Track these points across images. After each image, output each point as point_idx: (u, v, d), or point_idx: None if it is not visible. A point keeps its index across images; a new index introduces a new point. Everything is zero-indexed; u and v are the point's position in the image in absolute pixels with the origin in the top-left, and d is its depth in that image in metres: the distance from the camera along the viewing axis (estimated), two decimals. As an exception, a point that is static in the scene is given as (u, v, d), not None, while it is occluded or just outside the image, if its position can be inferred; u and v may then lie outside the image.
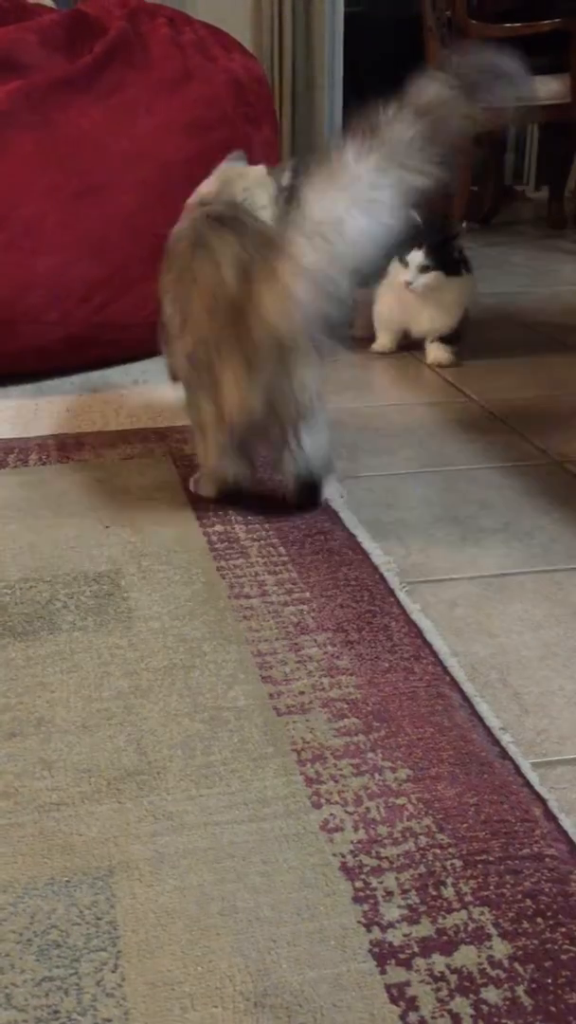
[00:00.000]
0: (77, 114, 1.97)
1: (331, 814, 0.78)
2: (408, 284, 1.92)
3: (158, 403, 1.81)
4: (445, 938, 0.66)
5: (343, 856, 0.73)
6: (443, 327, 2.03)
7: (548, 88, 3.31)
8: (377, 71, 4.96)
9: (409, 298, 1.97)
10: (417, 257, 1.90)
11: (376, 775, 0.82)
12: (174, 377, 1.34)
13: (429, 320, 2.02)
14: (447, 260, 1.91)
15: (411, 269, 1.91)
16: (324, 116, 4.71)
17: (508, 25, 3.29)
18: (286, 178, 1.41)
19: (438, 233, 1.90)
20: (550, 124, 3.69)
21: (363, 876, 0.71)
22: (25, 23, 2.11)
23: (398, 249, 1.91)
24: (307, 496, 1.34)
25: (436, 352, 2.06)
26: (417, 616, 1.07)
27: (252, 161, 2.21)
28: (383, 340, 2.13)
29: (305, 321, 1.16)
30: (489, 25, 3.26)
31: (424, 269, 1.91)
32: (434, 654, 1.00)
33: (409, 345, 2.16)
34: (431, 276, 1.92)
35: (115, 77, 2.05)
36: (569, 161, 3.97)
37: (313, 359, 1.24)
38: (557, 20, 3.21)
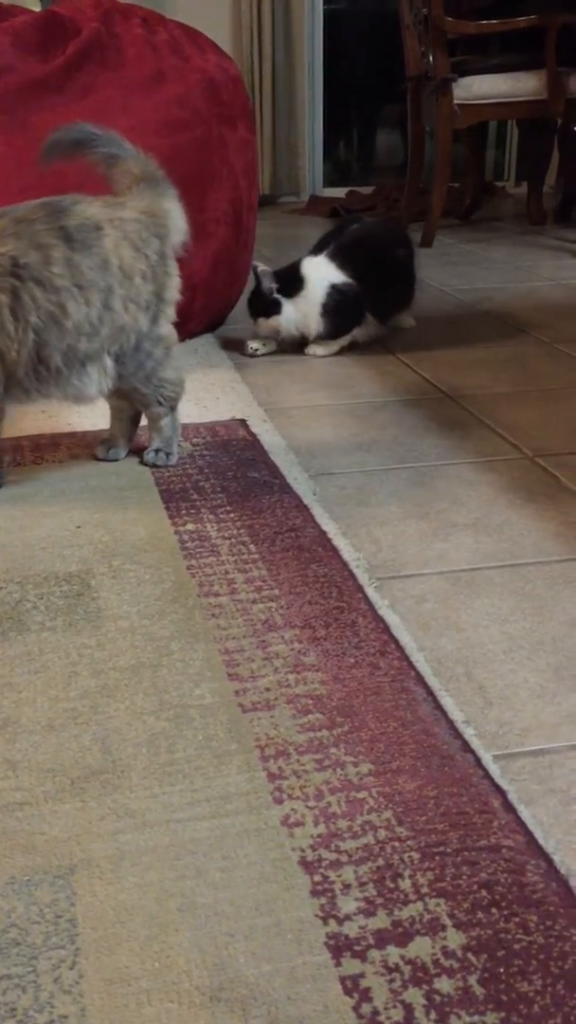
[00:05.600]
0: (51, 115, 1.97)
1: (292, 809, 0.78)
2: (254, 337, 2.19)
3: (134, 403, 1.81)
4: (400, 930, 0.67)
5: (303, 850, 0.74)
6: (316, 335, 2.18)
7: (526, 85, 3.32)
8: (357, 67, 4.98)
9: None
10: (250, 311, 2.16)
11: (338, 770, 0.82)
12: None
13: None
14: (265, 305, 2.11)
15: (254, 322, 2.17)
16: (305, 114, 4.72)
17: (484, 22, 3.30)
18: None
19: (256, 288, 2.12)
20: (529, 120, 3.70)
21: (322, 870, 0.72)
22: (-2, 24, 2.11)
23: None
24: None
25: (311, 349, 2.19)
26: (385, 611, 1.08)
27: (227, 160, 2.22)
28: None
29: None
30: (466, 22, 3.27)
31: (254, 320, 2.15)
32: (400, 649, 1.00)
33: (386, 343, 2.17)
34: (259, 323, 2.14)
35: (88, 78, 2.05)
36: (549, 157, 3.99)
37: None
38: (533, 17, 3.22)
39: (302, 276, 2.08)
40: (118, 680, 0.96)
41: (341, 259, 2.11)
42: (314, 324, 2.10)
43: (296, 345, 2.16)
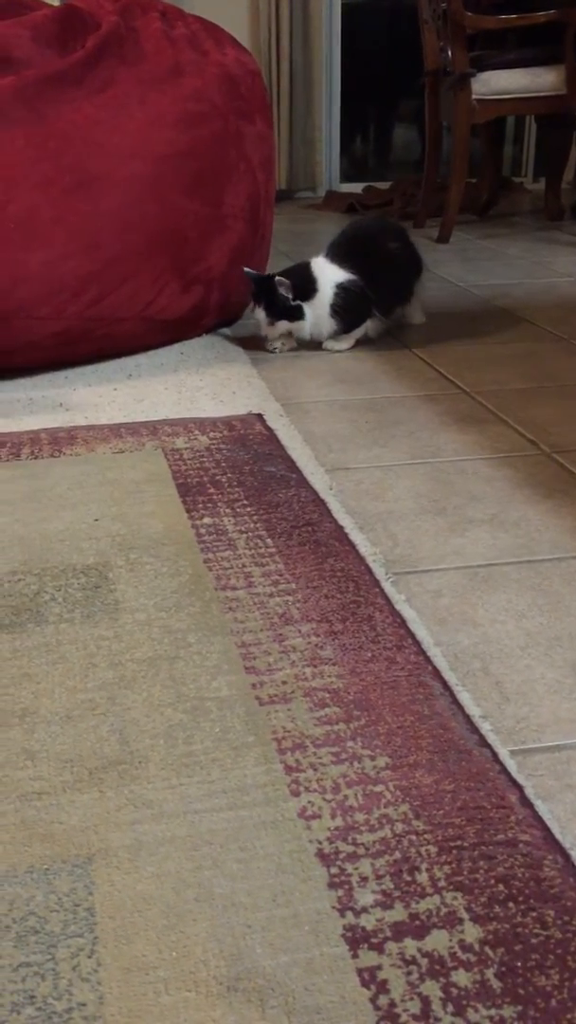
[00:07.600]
0: (69, 109, 1.97)
1: (309, 801, 0.78)
2: (266, 337, 2.16)
3: (150, 397, 1.82)
4: (418, 923, 0.67)
5: (320, 843, 0.74)
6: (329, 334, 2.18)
7: (544, 80, 3.31)
8: (375, 62, 4.96)
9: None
10: (260, 314, 2.12)
11: (355, 763, 0.83)
12: None
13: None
14: (284, 309, 2.10)
15: (262, 324, 2.13)
16: (322, 109, 4.71)
17: (503, 17, 3.28)
18: None
19: (266, 292, 2.09)
20: (547, 115, 3.68)
21: (339, 862, 0.72)
22: (19, 18, 2.12)
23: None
24: None
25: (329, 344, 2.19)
26: (401, 606, 1.08)
27: (245, 154, 2.22)
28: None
29: None
30: (484, 17, 3.26)
31: (271, 322, 2.12)
32: (417, 644, 1.00)
33: (403, 338, 2.17)
34: (279, 325, 2.11)
35: (107, 72, 2.06)
36: (567, 152, 3.97)
37: None
38: (552, 11, 3.20)
39: (314, 278, 2.10)
40: (135, 672, 0.96)
41: (340, 258, 2.13)
42: (326, 325, 2.13)
43: (312, 341, 2.16)
